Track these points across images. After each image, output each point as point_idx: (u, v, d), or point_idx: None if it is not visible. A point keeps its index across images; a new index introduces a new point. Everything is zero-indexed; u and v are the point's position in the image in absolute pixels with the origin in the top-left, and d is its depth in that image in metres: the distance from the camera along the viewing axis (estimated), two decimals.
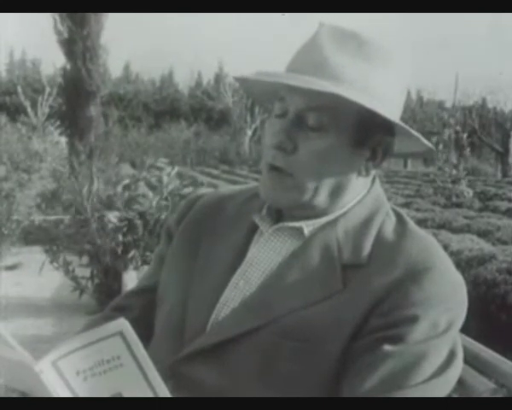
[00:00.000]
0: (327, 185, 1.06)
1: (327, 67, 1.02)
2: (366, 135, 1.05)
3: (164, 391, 0.88)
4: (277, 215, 1.12)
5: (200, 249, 1.17)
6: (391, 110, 1.03)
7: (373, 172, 1.10)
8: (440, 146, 13.35)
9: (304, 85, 0.99)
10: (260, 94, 1.16)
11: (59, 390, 0.86)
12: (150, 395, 0.88)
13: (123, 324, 0.86)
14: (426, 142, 1.06)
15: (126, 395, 0.88)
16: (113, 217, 5.19)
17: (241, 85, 1.15)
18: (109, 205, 5.24)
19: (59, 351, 0.86)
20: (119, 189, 5.28)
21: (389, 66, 1.05)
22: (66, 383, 0.86)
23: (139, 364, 0.87)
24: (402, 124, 1.04)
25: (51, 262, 5.47)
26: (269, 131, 1.08)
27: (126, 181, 5.39)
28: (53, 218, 5.94)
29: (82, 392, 0.87)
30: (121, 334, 0.86)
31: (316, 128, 1.03)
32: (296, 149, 1.04)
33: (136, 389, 0.87)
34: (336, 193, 1.07)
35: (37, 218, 7.61)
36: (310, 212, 1.08)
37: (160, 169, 5.81)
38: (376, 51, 1.05)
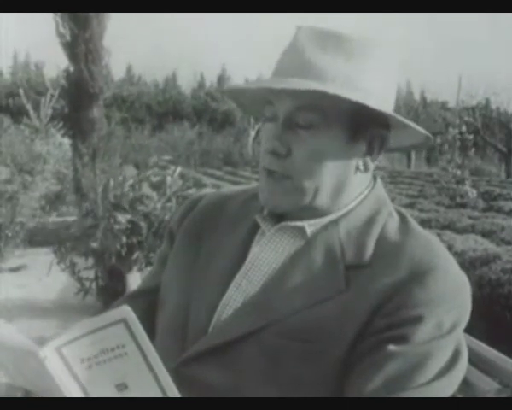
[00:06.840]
0: (326, 184, 1.06)
1: (310, 68, 1.03)
2: (359, 130, 1.06)
3: (168, 382, 0.88)
4: (279, 215, 1.12)
5: (202, 250, 1.17)
6: (378, 102, 1.03)
7: (371, 167, 1.10)
8: (446, 146, 13.30)
9: (288, 87, 1.01)
10: (250, 104, 1.18)
11: (63, 378, 0.85)
12: (154, 385, 0.87)
13: (127, 311, 0.86)
14: (421, 130, 1.07)
15: (131, 384, 0.88)
16: (122, 218, 5.19)
17: (230, 97, 1.16)
18: (116, 206, 5.25)
19: (63, 338, 0.85)
20: (126, 189, 5.29)
21: (370, 60, 1.06)
22: (71, 371, 0.86)
23: (143, 353, 0.87)
24: (391, 113, 1.05)
25: (58, 263, 5.48)
26: (264, 136, 1.09)
27: (130, 181, 5.40)
28: (60, 219, 5.95)
29: (86, 380, 0.87)
30: (125, 321, 0.86)
31: (306, 127, 1.04)
32: (290, 151, 1.05)
33: (140, 379, 0.87)
34: (336, 191, 1.08)
35: (41, 220, 7.61)
36: (311, 213, 1.08)
37: (163, 168, 5.80)
38: (356, 47, 1.05)
